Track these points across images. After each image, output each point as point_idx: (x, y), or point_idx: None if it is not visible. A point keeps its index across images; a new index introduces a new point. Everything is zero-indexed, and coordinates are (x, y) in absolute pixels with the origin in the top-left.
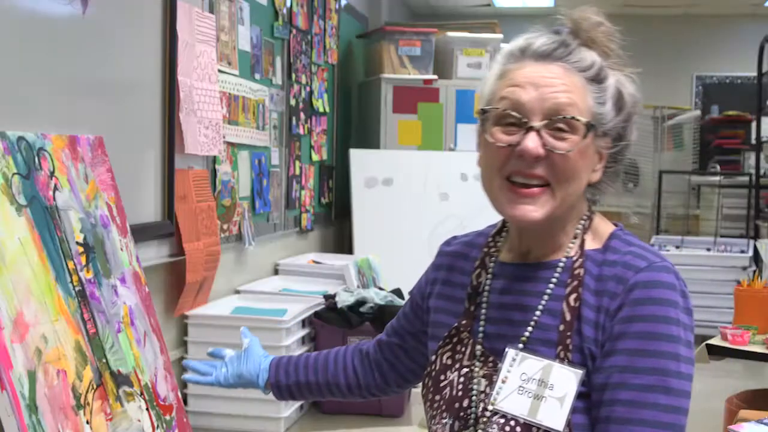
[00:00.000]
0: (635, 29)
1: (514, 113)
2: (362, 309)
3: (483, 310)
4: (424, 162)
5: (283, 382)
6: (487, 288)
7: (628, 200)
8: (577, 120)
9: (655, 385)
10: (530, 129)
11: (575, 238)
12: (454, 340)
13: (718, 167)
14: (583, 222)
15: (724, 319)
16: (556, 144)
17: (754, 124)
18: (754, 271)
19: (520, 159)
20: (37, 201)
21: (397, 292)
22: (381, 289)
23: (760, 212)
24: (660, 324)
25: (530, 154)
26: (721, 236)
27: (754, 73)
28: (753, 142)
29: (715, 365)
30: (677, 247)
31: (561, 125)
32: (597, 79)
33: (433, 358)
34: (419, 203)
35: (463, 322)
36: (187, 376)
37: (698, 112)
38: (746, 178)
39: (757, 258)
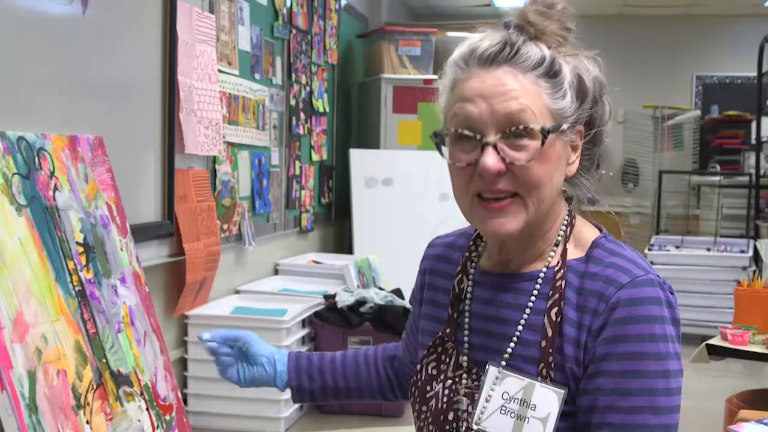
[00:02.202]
0: (635, 29)
1: (466, 132)
2: (362, 309)
3: (466, 320)
4: (424, 162)
5: (306, 387)
6: (469, 296)
7: (628, 200)
8: (531, 128)
9: (643, 407)
10: (486, 145)
11: (556, 245)
12: (439, 350)
13: (718, 167)
14: (564, 228)
15: (724, 319)
16: (515, 156)
17: (754, 124)
18: (754, 271)
19: (482, 177)
20: (37, 201)
21: (397, 292)
22: (381, 289)
23: (760, 212)
24: (646, 343)
25: (489, 172)
26: (721, 236)
27: (754, 73)
28: (753, 142)
29: (715, 365)
30: (677, 247)
31: (518, 132)
32: (550, 74)
33: (419, 367)
34: (419, 203)
35: (447, 330)
36: (212, 345)
37: (698, 112)
38: (746, 178)
39: (757, 258)
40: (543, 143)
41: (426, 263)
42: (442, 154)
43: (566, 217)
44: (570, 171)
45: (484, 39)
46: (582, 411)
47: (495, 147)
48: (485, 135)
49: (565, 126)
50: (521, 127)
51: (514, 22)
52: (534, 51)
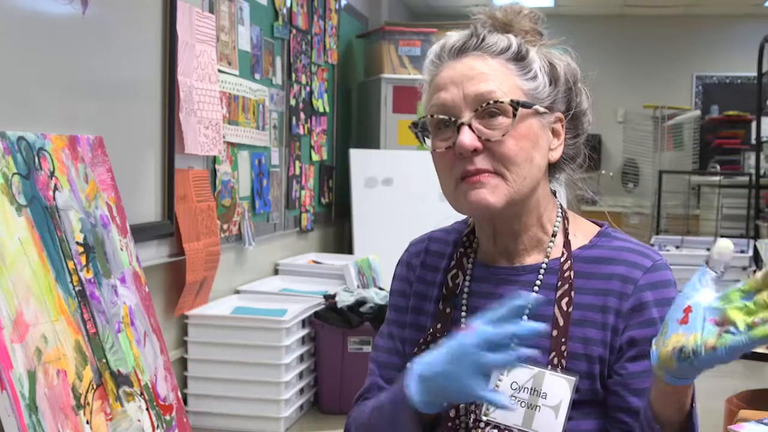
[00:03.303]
0: (635, 29)
1: (442, 116)
2: (362, 309)
3: (463, 314)
4: (424, 162)
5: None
6: (465, 291)
7: (628, 200)
8: (501, 102)
9: None
10: (461, 125)
11: (554, 236)
12: (431, 346)
13: (718, 167)
14: (558, 219)
15: None
16: (489, 133)
17: (754, 124)
18: (754, 271)
19: (461, 158)
20: (37, 201)
21: None
22: (381, 289)
23: (760, 212)
24: None
25: (466, 148)
26: (721, 236)
27: (754, 73)
28: (753, 142)
29: None
30: (677, 247)
31: (492, 111)
32: (518, 57)
33: (410, 365)
34: (419, 203)
35: (438, 326)
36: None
37: (698, 112)
38: (746, 178)
39: (757, 258)
40: (515, 116)
41: (412, 259)
42: (422, 142)
43: (559, 209)
44: (553, 156)
45: (453, 35)
46: (617, 384)
47: (470, 126)
48: (459, 116)
49: (540, 107)
50: (492, 101)
51: (480, 20)
52: (500, 38)
